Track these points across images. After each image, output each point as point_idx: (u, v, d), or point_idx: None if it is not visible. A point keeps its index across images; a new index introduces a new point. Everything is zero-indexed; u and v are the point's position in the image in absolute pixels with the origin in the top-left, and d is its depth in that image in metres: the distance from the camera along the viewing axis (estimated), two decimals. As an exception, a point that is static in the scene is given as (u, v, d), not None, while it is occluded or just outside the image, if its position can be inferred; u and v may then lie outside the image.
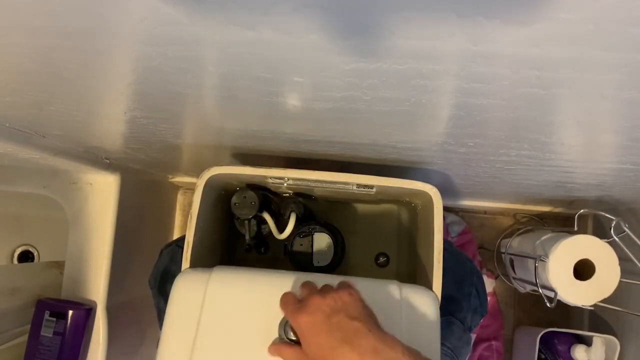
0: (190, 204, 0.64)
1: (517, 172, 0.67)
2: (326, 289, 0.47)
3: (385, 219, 0.80)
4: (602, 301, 0.80)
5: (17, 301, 0.81)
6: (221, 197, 0.70)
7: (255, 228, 0.70)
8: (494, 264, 1.15)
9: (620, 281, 0.79)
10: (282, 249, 0.74)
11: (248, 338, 0.50)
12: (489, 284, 1.15)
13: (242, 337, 0.50)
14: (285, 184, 0.64)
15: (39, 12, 0.29)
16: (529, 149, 0.53)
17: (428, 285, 0.57)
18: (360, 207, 0.81)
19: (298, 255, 0.70)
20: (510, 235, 1.08)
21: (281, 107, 0.45)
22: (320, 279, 0.51)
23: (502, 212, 1.19)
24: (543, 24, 0.25)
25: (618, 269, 0.79)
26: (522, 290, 1.05)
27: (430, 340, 0.51)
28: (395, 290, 0.53)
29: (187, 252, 0.58)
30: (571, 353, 0.97)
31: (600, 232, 0.98)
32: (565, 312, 1.16)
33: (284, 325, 0.48)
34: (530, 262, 0.89)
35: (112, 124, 0.59)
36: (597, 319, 1.03)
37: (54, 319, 0.79)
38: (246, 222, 0.67)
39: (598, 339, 0.93)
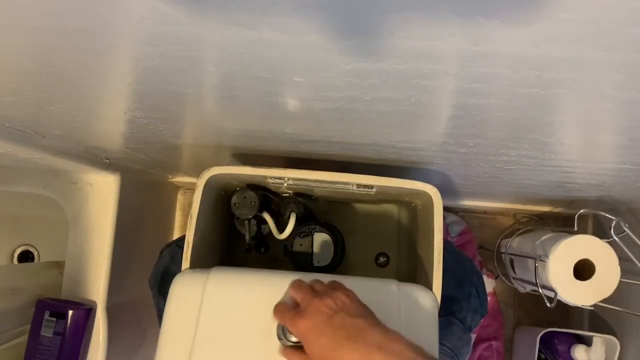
0: (190, 204, 0.64)
1: (517, 172, 0.67)
2: (321, 290, 0.47)
3: (385, 219, 0.80)
4: (602, 301, 0.80)
5: (17, 301, 0.81)
6: (221, 197, 0.70)
7: (255, 228, 0.70)
8: (494, 264, 1.15)
9: (620, 281, 0.79)
10: (282, 249, 0.74)
11: (247, 338, 0.50)
12: (489, 284, 1.15)
13: (241, 337, 0.50)
14: (285, 184, 0.64)
15: (39, 12, 0.29)
16: (529, 149, 0.53)
17: (428, 285, 0.57)
18: (360, 207, 0.81)
19: (298, 255, 0.70)
20: (510, 235, 1.08)
21: (281, 107, 0.45)
22: (306, 278, 0.51)
23: (502, 212, 1.19)
24: (543, 24, 0.25)
25: (618, 269, 0.79)
26: (522, 290, 1.05)
27: (429, 338, 0.51)
28: (393, 289, 0.53)
29: (187, 252, 0.58)
30: (571, 353, 0.97)
31: (600, 232, 0.99)
32: (565, 312, 1.16)
33: (283, 326, 0.48)
34: (530, 262, 0.89)
35: (112, 124, 0.59)
36: (597, 319, 1.03)
37: (54, 319, 0.79)
38: (246, 222, 0.67)
39: (598, 339, 0.93)
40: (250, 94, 0.41)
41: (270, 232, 0.68)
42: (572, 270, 0.81)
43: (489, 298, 1.14)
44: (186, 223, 0.60)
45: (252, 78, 0.37)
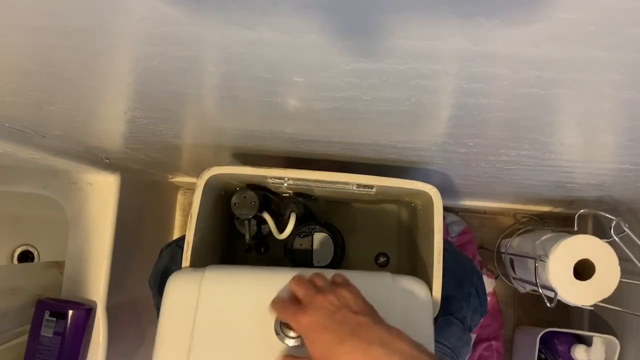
0: (190, 204, 0.64)
1: (517, 172, 0.67)
2: (324, 286, 0.47)
3: (385, 219, 0.80)
4: (602, 301, 0.80)
5: (17, 301, 0.81)
6: (221, 197, 0.70)
7: (255, 228, 0.70)
8: (494, 264, 1.15)
9: (620, 281, 0.79)
10: (282, 249, 0.74)
11: (244, 335, 0.50)
12: (489, 284, 1.15)
13: (239, 334, 0.50)
14: (285, 184, 0.64)
15: (39, 12, 0.29)
16: (529, 149, 0.53)
17: (428, 285, 0.57)
18: (360, 207, 0.81)
19: (298, 255, 0.70)
20: (510, 235, 1.08)
21: (281, 107, 0.45)
22: (306, 273, 0.51)
23: (502, 212, 1.19)
24: (543, 24, 0.25)
25: (618, 269, 0.79)
26: (522, 290, 1.05)
27: (424, 330, 0.51)
28: (388, 281, 0.53)
29: (187, 252, 0.58)
30: (571, 353, 0.97)
31: (600, 232, 0.99)
32: (565, 312, 1.16)
33: (280, 322, 0.48)
34: (530, 262, 0.89)
35: (112, 124, 0.59)
36: (597, 319, 1.03)
37: (54, 319, 0.79)
38: (246, 222, 0.67)
39: (598, 339, 0.93)
40: (250, 94, 0.41)
41: (270, 232, 0.68)
42: (572, 270, 0.81)
43: (489, 298, 1.14)
44: (186, 223, 0.60)
45: (252, 78, 0.37)
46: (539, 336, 0.99)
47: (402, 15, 0.26)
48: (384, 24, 0.27)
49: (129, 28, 0.30)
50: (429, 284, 0.57)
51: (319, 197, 0.76)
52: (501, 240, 1.13)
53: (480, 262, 1.16)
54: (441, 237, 0.59)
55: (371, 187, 0.62)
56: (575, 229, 0.87)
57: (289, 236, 0.68)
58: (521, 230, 1.07)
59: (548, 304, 0.84)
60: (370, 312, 0.44)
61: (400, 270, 0.77)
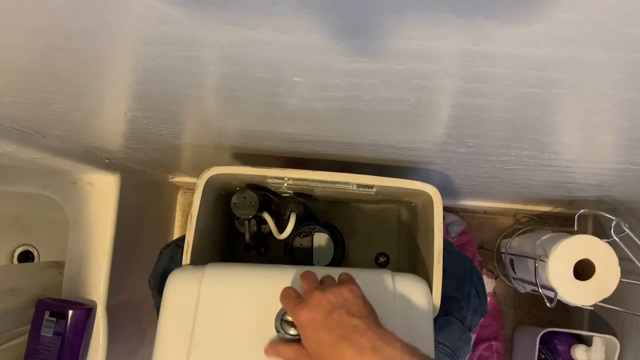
0: (190, 204, 0.64)
1: (517, 172, 0.67)
2: (327, 283, 0.47)
3: (385, 219, 0.80)
4: (602, 301, 0.80)
5: (17, 301, 0.81)
6: (221, 197, 0.70)
7: (255, 228, 0.70)
8: (494, 264, 1.15)
9: (620, 281, 0.79)
10: (282, 248, 0.74)
11: (245, 333, 0.50)
12: (489, 284, 1.15)
13: (239, 331, 0.50)
14: (285, 184, 0.64)
15: (39, 12, 0.29)
16: (529, 149, 0.53)
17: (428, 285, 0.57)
18: (360, 207, 0.81)
19: (298, 255, 0.70)
20: (510, 235, 1.08)
21: (281, 107, 0.45)
22: (317, 272, 0.51)
23: (502, 212, 1.19)
24: (543, 24, 0.25)
25: (618, 269, 0.79)
26: (522, 290, 1.05)
27: (423, 328, 0.51)
28: (388, 279, 0.53)
29: (187, 252, 0.58)
30: (571, 353, 0.97)
31: (600, 232, 0.99)
32: (565, 312, 1.16)
33: (281, 319, 0.48)
34: (530, 262, 0.89)
35: (112, 124, 0.59)
36: (597, 319, 1.03)
37: (54, 319, 0.79)
38: (246, 222, 0.67)
39: (598, 339, 0.93)
40: (251, 94, 0.41)
41: (270, 232, 0.68)
42: (572, 270, 0.81)
43: (489, 298, 1.14)
44: (186, 223, 0.60)
45: (252, 78, 0.37)
46: (539, 336, 0.99)
47: (402, 15, 0.26)
48: (384, 24, 0.27)
49: (129, 28, 0.30)
50: (429, 284, 0.57)
51: (319, 197, 0.76)
52: (501, 240, 1.13)
53: (480, 262, 1.16)
54: (441, 237, 0.59)
55: (371, 187, 0.63)
56: (575, 229, 0.87)
57: (289, 236, 0.68)
58: (521, 230, 1.07)
59: (548, 304, 0.84)
60: (367, 314, 0.44)
61: (400, 270, 0.77)
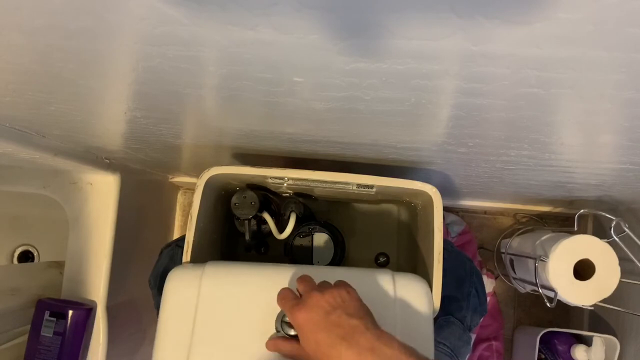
0: (190, 204, 0.64)
1: (517, 172, 0.67)
2: (324, 285, 0.47)
3: (385, 219, 0.80)
4: (602, 301, 0.80)
5: (17, 301, 0.81)
6: (221, 197, 0.70)
7: (255, 228, 0.70)
8: (494, 264, 1.15)
9: (620, 281, 0.79)
10: (282, 248, 0.74)
11: (245, 332, 0.50)
12: (489, 284, 1.15)
13: (239, 330, 0.50)
14: (285, 184, 0.64)
15: (40, 12, 0.29)
16: (529, 149, 0.53)
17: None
18: (360, 207, 0.81)
19: (298, 255, 0.70)
20: (510, 235, 1.08)
21: (281, 107, 0.45)
22: (314, 272, 0.51)
23: (502, 212, 1.19)
24: (543, 24, 0.25)
25: (618, 269, 0.79)
26: (522, 290, 1.06)
27: (423, 328, 0.51)
28: (388, 278, 0.53)
29: (187, 252, 0.58)
30: (571, 353, 0.97)
31: (600, 232, 0.99)
32: (565, 312, 1.16)
33: (281, 319, 0.48)
34: (530, 262, 0.89)
35: (112, 124, 0.59)
36: (597, 319, 1.03)
37: (54, 319, 0.79)
38: (246, 222, 0.67)
39: (598, 339, 0.93)
40: (251, 94, 0.41)
41: (270, 232, 0.68)
42: (572, 270, 0.81)
43: (489, 298, 1.14)
44: (186, 223, 0.60)
45: (252, 78, 0.37)
46: (539, 336, 0.99)
47: (402, 15, 0.26)
48: (384, 24, 0.27)
49: (129, 28, 0.30)
50: (429, 284, 0.57)
51: (319, 197, 0.76)
52: (501, 240, 1.13)
53: (480, 262, 1.16)
54: (441, 237, 0.59)
55: (371, 187, 0.63)
56: (575, 229, 0.87)
57: (289, 236, 0.68)
58: (521, 230, 1.07)
59: (548, 304, 0.84)
60: (364, 315, 0.44)
61: (400, 270, 0.77)
